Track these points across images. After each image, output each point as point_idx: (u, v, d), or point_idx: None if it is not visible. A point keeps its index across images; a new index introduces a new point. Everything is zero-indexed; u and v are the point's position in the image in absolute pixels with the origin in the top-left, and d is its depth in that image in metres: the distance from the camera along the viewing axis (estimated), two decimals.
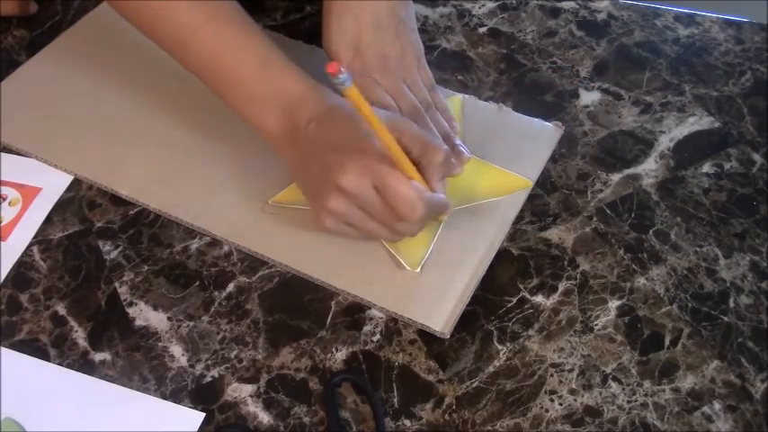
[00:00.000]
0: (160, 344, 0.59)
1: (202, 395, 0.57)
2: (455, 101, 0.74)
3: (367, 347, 0.59)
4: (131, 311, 0.61)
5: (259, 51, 0.62)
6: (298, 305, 0.61)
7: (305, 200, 0.65)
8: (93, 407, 0.56)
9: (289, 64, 0.62)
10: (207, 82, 0.63)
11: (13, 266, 0.64)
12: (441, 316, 0.59)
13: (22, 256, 0.65)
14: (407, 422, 0.55)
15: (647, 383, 0.57)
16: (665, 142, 0.71)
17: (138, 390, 0.57)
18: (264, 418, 0.56)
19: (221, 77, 0.62)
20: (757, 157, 0.70)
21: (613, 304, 0.61)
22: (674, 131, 0.72)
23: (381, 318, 0.60)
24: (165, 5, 0.62)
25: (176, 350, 0.59)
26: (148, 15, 0.63)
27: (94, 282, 0.63)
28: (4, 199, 0.68)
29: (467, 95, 0.75)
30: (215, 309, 0.61)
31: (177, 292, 0.62)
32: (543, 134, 0.72)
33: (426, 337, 0.59)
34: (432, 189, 0.60)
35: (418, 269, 0.62)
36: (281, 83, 0.61)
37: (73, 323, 0.61)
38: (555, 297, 0.61)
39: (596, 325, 0.60)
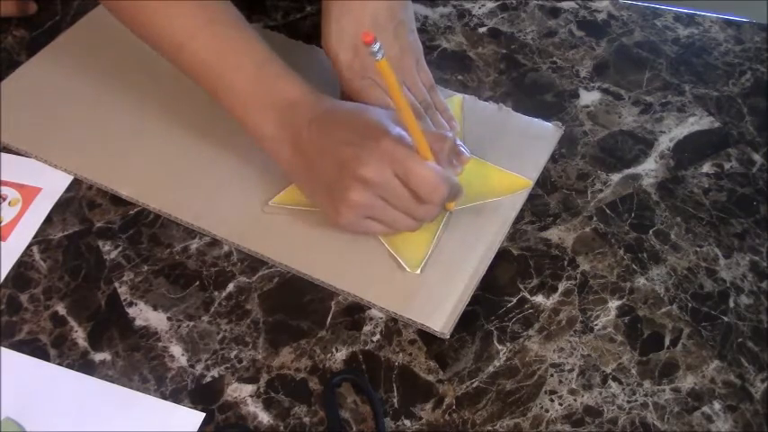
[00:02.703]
0: (160, 344, 0.59)
1: (202, 395, 0.57)
2: (455, 101, 0.74)
3: (367, 347, 0.59)
4: (131, 311, 0.61)
5: (256, 56, 0.62)
6: (298, 305, 0.61)
7: (305, 201, 0.65)
8: (93, 407, 0.56)
9: (285, 68, 0.62)
10: (203, 85, 0.63)
11: (13, 266, 0.64)
12: (440, 316, 0.59)
13: (22, 256, 0.65)
14: (407, 422, 0.55)
15: (647, 383, 0.57)
16: (665, 142, 0.71)
17: (138, 390, 0.57)
18: (264, 418, 0.56)
19: (218, 81, 0.62)
20: (757, 157, 0.70)
21: (613, 304, 0.61)
22: (674, 131, 0.72)
23: (381, 318, 0.60)
24: (163, 8, 0.62)
25: (176, 350, 0.59)
26: (144, 18, 0.63)
27: (94, 282, 0.63)
28: (4, 199, 0.68)
29: (467, 95, 0.75)
30: (215, 309, 0.61)
31: (177, 292, 0.62)
32: (543, 134, 0.72)
33: (426, 337, 0.59)
34: None
35: (418, 270, 0.62)
36: (277, 87, 0.61)
37: (73, 323, 0.61)
38: (555, 297, 0.61)
39: (596, 325, 0.60)
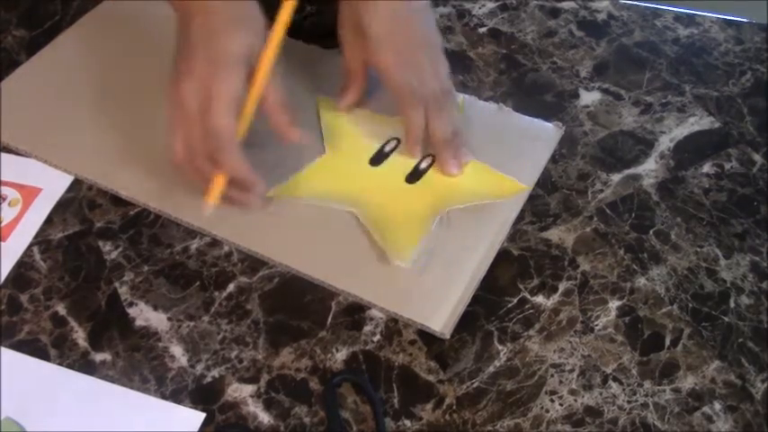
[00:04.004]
0: (160, 344, 0.59)
1: (202, 395, 0.57)
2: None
3: (367, 347, 0.59)
4: (131, 312, 0.61)
5: None
6: (298, 305, 0.61)
7: (303, 193, 0.65)
8: (93, 407, 0.56)
9: None
10: None
11: (14, 267, 0.64)
12: (441, 316, 0.59)
13: (22, 256, 0.65)
14: (408, 422, 0.55)
15: (647, 384, 0.57)
16: (665, 142, 0.71)
17: (138, 390, 0.57)
18: (264, 418, 0.56)
19: None
20: (757, 157, 0.70)
21: (614, 304, 0.61)
22: (674, 131, 0.72)
23: (381, 318, 0.60)
24: None
25: (176, 350, 0.59)
26: None
27: (94, 282, 0.63)
28: (4, 199, 0.68)
29: (467, 95, 0.75)
30: (215, 309, 0.61)
31: (177, 292, 0.62)
32: (543, 134, 0.72)
33: (426, 337, 0.59)
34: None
35: (408, 264, 0.61)
36: None
37: (73, 323, 0.61)
38: (555, 297, 0.61)
39: (597, 325, 0.60)
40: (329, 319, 0.60)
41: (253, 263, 0.64)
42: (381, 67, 0.66)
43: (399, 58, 0.66)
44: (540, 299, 0.61)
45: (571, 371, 0.57)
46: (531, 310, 0.61)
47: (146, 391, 0.57)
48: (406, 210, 0.65)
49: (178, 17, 0.62)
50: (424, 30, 0.68)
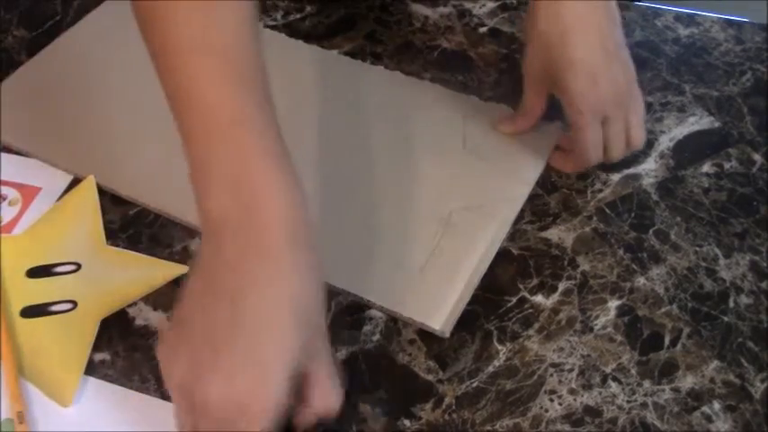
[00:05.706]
0: None
1: None
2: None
3: (366, 347, 0.59)
4: (131, 311, 0.61)
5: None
6: None
7: None
8: (92, 407, 0.56)
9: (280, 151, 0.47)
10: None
11: None
12: (440, 315, 0.59)
13: None
14: (407, 422, 0.55)
15: (646, 383, 0.57)
16: (665, 142, 0.71)
17: (138, 390, 0.57)
18: None
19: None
20: (757, 157, 0.70)
21: (613, 304, 0.61)
22: (674, 131, 0.72)
23: (381, 317, 0.60)
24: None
25: None
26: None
27: None
28: (4, 199, 0.68)
29: (467, 95, 0.75)
30: None
31: (177, 291, 0.62)
32: (543, 134, 0.72)
33: (426, 336, 0.59)
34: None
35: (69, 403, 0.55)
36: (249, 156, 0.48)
37: None
38: (555, 297, 0.61)
39: (596, 325, 0.60)
40: (329, 319, 0.60)
41: None
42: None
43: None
44: (539, 298, 0.61)
45: (570, 370, 0.57)
46: (530, 310, 0.61)
47: (145, 390, 0.57)
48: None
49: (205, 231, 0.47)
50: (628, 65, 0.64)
